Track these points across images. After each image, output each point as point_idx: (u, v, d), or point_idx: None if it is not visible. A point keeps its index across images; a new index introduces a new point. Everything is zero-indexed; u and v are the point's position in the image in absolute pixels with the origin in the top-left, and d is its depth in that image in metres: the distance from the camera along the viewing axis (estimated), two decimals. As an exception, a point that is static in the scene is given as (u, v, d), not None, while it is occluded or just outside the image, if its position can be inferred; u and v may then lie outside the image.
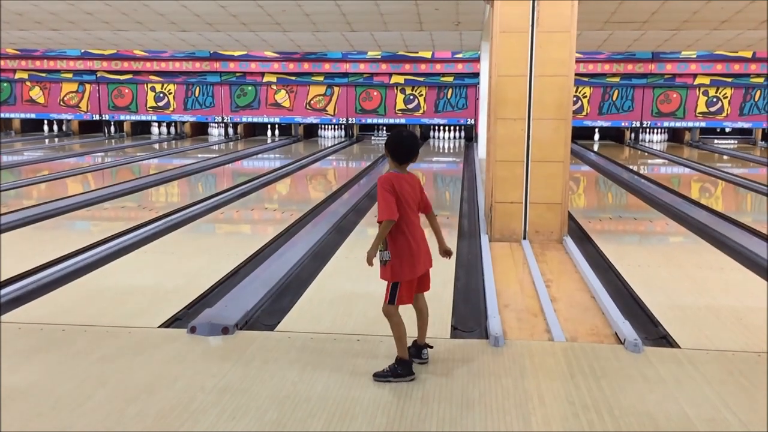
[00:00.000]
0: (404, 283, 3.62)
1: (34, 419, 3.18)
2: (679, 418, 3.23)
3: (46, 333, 4.29)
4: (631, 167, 14.20)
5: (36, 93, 21.54)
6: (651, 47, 14.98)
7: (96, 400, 3.38)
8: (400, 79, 19.74)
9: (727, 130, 19.76)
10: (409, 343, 3.79)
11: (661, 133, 20.03)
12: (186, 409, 3.29)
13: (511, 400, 3.42)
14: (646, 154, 17.56)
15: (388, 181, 3.58)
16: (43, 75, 21.18)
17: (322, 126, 21.09)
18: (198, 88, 20.75)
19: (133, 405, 3.33)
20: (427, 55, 19.09)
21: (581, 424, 3.16)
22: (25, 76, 21.28)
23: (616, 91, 19.23)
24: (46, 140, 20.38)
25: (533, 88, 6.78)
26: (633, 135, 20.02)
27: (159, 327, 4.46)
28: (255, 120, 20.84)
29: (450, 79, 19.57)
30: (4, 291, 5.10)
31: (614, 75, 19.01)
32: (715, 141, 19.97)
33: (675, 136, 20.23)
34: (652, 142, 19.92)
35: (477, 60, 17.99)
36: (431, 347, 3.88)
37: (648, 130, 19.87)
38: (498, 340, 4.15)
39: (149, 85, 20.94)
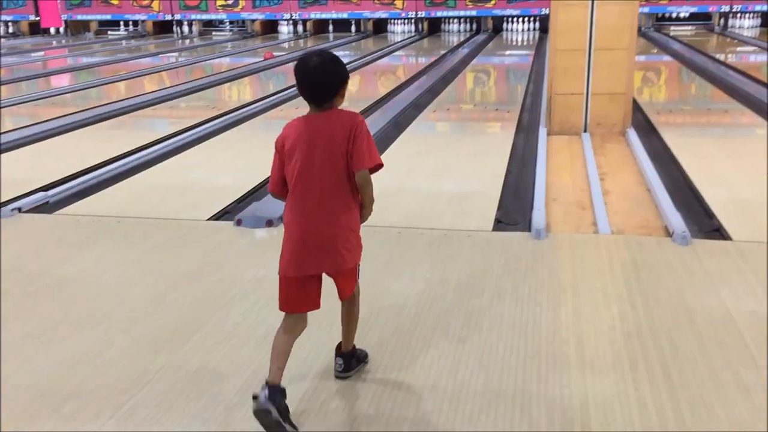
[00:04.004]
0: (281, 279, 2.43)
1: (79, 304, 3.37)
2: (717, 311, 3.13)
3: (102, 224, 4.49)
4: (716, 56, 13.33)
5: (110, -7, 21.72)
6: None
7: (139, 287, 3.55)
8: (471, -32, 18.87)
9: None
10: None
11: (753, 17, 18.58)
12: (223, 296, 3.41)
13: (543, 292, 3.38)
14: (735, 41, 16.42)
15: (281, 134, 2.43)
16: (116, -25, 21.28)
17: (391, 21, 20.54)
18: (266, -16, 20.45)
19: (175, 292, 3.48)
20: (500, -60, 18.10)
21: (612, 315, 3.11)
22: (98, -23, 21.43)
23: (705, -27, 17.84)
24: (123, 42, 20.68)
25: (598, -31, 6.35)
26: (722, 20, 18.66)
27: (208, 220, 4.59)
28: (323, 16, 20.49)
29: (524, -35, 18.58)
30: (68, 185, 5.33)
31: (703, -45, 17.58)
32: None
33: (769, 21, 18.75)
34: (743, 28, 18.55)
35: (553, -56, 16.95)
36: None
37: (738, 14, 18.46)
38: (540, 232, 4.08)
39: (218, -17, 20.76)
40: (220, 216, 4.69)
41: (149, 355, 2.87)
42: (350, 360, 2.68)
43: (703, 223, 4.35)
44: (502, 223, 4.44)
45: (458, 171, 5.68)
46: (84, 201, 5.05)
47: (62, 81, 12.28)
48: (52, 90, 10.87)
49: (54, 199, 5.08)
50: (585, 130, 6.73)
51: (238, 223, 4.42)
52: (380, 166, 2.39)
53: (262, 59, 14.45)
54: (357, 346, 2.76)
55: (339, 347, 2.69)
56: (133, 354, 2.89)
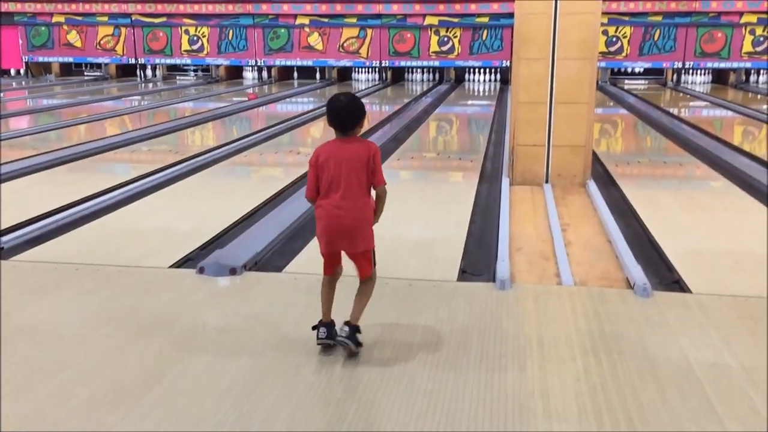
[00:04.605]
0: (322, 254, 3.30)
1: (37, 354, 3.27)
2: (678, 362, 3.17)
3: (59, 272, 4.38)
4: (670, 110, 13.77)
5: (73, 37, 21.64)
6: (695, -17, 14.34)
7: (100, 336, 3.46)
8: (434, 20, 19.28)
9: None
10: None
11: (704, 74, 19.32)
12: (185, 347, 3.34)
13: (509, 344, 3.39)
14: (688, 96, 17.00)
15: (314, 154, 3.20)
16: (80, 18, 21.23)
17: (356, 69, 20.83)
18: (231, 30, 20.59)
19: (135, 342, 3.39)
20: (462, -6, 18.58)
21: (577, 368, 3.13)
22: (62, 19, 21.35)
23: (658, 31, 18.51)
24: (85, 84, 20.53)
25: (558, 26, 6.54)
26: (675, 76, 19.36)
27: (169, 267, 4.52)
28: (288, 63, 20.68)
29: (485, 19, 19.04)
30: (24, 231, 5.20)
31: (656, 14, 18.25)
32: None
33: (719, 77, 19.49)
34: (695, 83, 19.25)
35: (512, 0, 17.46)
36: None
37: (691, 71, 19.17)
38: (504, 283, 4.11)
39: (183, 28, 20.85)
40: (181, 263, 4.62)
41: (108, 408, 2.79)
42: (354, 333, 3.24)
43: (663, 275, 4.43)
44: (466, 273, 4.46)
45: (422, 220, 5.71)
46: (41, 247, 4.93)
47: (21, 123, 12.10)
48: (10, 132, 10.67)
49: (9, 244, 4.95)
50: (547, 181, 6.85)
51: (201, 271, 4.35)
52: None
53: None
54: (327, 394, 2.84)
55: (349, 321, 3.26)
56: (91, 407, 2.80)
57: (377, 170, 3.18)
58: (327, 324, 3.30)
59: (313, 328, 3.31)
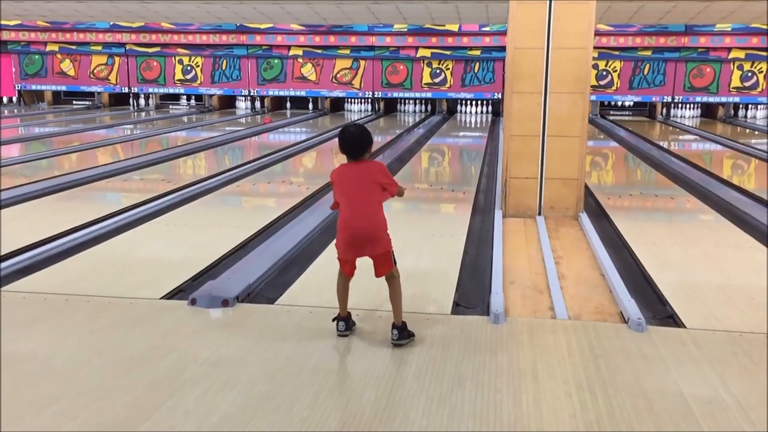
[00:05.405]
0: (340, 257, 3.81)
1: (25, 387, 3.21)
2: (674, 398, 3.15)
3: (49, 303, 4.34)
4: (660, 143, 13.89)
5: (67, 65, 21.71)
6: (684, 20, 14.52)
7: (89, 370, 3.41)
8: (427, 53, 19.48)
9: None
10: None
11: (693, 108, 19.55)
12: (176, 380, 3.29)
13: (504, 378, 3.36)
14: (678, 129, 17.17)
15: (331, 176, 3.81)
16: (74, 47, 21.32)
17: (349, 100, 20.98)
18: (225, 61, 20.72)
19: (125, 376, 3.35)
20: (454, 28, 18.78)
21: (572, 403, 3.10)
22: (55, 48, 21.45)
23: (648, 65, 18.75)
24: (67, 114, 20.54)
25: (550, 61, 6.62)
26: (664, 110, 19.59)
27: (161, 298, 4.48)
28: (281, 93, 20.80)
29: (477, 52, 19.26)
30: (13, 261, 5.16)
31: (646, 48, 18.51)
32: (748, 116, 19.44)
33: (708, 111, 19.73)
34: (684, 117, 19.46)
35: (504, 33, 17.66)
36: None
37: (680, 105, 19.42)
38: (498, 317, 4.09)
39: (177, 58, 20.97)
40: (173, 295, 4.58)
41: (96, 444, 2.74)
42: (402, 331, 3.71)
43: (657, 309, 4.42)
44: (460, 306, 4.44)
45: (415, 252, 5.69)
46: (31, 277, 4.88)
47: (12, 151, 12.07)
48: (1, 160, 10.64)
49: (-1, 274, 4.91)
50: (539, 213, 6.87)
51: (193, 302, 4.32)
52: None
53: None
54: (321, 429, 2.75)
55: (393, 323, 3.73)
56: (79, 443, 2.75)
57: (389, 183, 3.69)
58: (344, 318, 3.84)
59: (333, 319, 3.85)
